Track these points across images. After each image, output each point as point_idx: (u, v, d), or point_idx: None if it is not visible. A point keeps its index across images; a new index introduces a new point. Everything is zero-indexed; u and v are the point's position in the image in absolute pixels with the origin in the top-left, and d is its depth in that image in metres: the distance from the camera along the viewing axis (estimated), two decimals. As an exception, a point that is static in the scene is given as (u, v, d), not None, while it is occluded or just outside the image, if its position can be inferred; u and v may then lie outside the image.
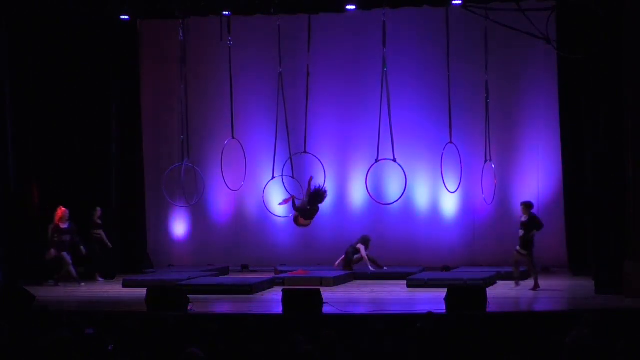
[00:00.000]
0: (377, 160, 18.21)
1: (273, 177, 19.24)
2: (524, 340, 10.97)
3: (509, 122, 20.56)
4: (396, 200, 18.71)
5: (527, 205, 17.43)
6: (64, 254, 18.81)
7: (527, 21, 16.95)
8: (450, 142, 18.41)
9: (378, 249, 19.80)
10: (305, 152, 19.19)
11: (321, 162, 19.35)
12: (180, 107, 19.73)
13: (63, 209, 18.97)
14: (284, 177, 19.42)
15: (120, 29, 20.48)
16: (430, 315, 12.07)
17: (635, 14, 15.64)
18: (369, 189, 18.45)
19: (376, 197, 19.04)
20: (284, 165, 19.22)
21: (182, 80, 19.37)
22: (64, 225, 18.91)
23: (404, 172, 18.09)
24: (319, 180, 18.89)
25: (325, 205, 19.72)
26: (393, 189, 19.56)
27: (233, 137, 19.30)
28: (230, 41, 19.25)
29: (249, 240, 21.32)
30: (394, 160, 18.12)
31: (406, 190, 18.86)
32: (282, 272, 19.46)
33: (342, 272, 19.37)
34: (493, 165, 18.97)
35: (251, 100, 21.40)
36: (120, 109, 21.18)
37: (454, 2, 17.98)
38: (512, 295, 16.72)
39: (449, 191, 18.61)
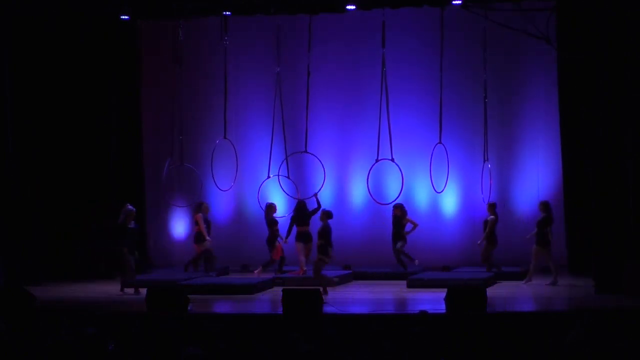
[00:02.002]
0: (377, 160, 18.27)
1: (268, 177, 19.30)
2: (524, 340, 10.97)
3: (509, 122, 20.55)
4: (394, 200, 18.73)
5: (326, 214, 17.77)
6: (131, 257, 17.87)
7: (527, 21, 16.96)
8: (440, 143, 18.47)
9: (378, 248, 19.80)
10: (305, 151, 19.21)
11: (321, 162, 19.37)
12: (179, 106, 19.74)
13: (130, 207, 18.17)
14: (278, 177, 19.49)
15: (120, 29, 20.47)
16: (424, 314, 12.04)
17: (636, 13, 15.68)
18: (369, 187, 18.51)
19: (376, 197, 19.05)
20: (281, 165, 19.26)
21: (178, 81, 19.37)
22: (130, 225, 18.05)
23: (401, 172, 18.16)
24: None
25: (325, 205, 19.71)
26: (392, 188, 19.55)
27: (225, 137, 19.29)
28: (226, 41, 19.26)
29: (249, 240, 21.30)
30: (392, 160, 18.19)
31: (405, 190, 19.00)
32: (282, 272, 19.45)
33: (342, 272, 19.39)
34: (489, 165, 18.99)
35: (251, 100, 21.40)
36: (120, 108, 21.18)
37: (453, 2, 17.99)
38: (512, 295, 16.73)
39: (436, 191, 18.70)
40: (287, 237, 19.12)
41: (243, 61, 20.95)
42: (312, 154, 19.36)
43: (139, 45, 21.69)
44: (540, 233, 17.89)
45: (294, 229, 18.95)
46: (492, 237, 18.94)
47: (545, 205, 18.11)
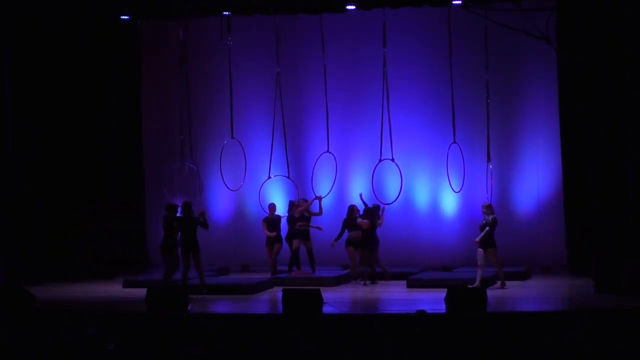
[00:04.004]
0: (380, 160, 18.31)
1: (269, 177, 19.35)
2: (524, 340, 10.97)
3: (509, 123, 20.54)
4: (394, 200, 18.72)
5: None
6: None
7: (527, 21, 16.96)
8: (454, 143, 18.50)
9: (379, 248, 19.76)
10: (327, 151, 19.31)
11: (336, 162, 19.47)
12: (180, 106, 19.76)
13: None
14: (279, 177, 19.56)
15: (120, 29, 20.48)
16: (422, 314, 12.03)
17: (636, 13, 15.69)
18: (373, 188, 18.55)
19: (377, 197, 19.07)
20: (287, 165, 19.38)
21: (182, 81, 19.41)
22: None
23: (400, 172, 18.19)
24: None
25: (326, 205, 19.76)
26: (393, 188, 19.56)
27: (232, 137, 19.34)
28: (230, 41, 19.27)
29: (249, 240, 21.29)
30: (392, 160, 18.21)
31: (406, 190, 19.03)
32: (282, 272, 19.45)
33: (342, 272, 19.38)
34: (490, 166, 18.99)
35: (252, 100, 21.40)
36: (120, 108, 21.21)
37: (454, 2, 17.99)
38: (512, 295, 16.72)
39: (454, 191, 18.69)
40: (336, 240, 19.05)
41: (243, 61, 20.93)
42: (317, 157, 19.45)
43: (139, 45, 21.70)
44: (489, 235, 17.31)
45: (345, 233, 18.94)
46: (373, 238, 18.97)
47: (490, 208, 17.62)
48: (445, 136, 19.02)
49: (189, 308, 14.81)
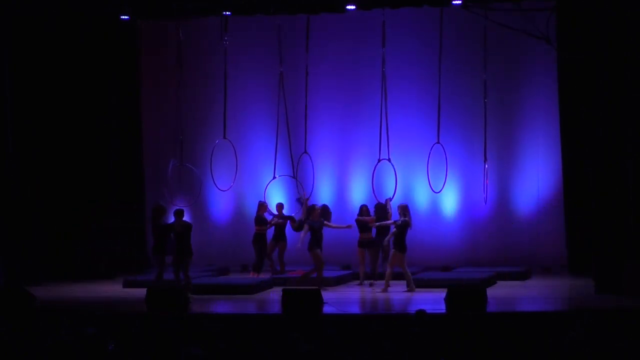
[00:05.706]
0: (379, 160, 18.32)
1: (274, 178, 19.34)
2: (524, 340, 10.97)
3: (509, 122, 20.56)
4: (391, 199, 18.71)
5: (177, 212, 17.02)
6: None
7: (527, 21, 16.96)
8: (437, 143, 18.47)
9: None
10: (305, 152, 19.25)
11: (312, 164, 19.37)
12: (179, 107, 19.76)
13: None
14: (283, 177, 19.54)
15: (120, 29, 20.48)
16: (421, 313, 12.03)
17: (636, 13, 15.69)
18: (373, 188, 18.57)
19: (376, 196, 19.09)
20: (287, 165, 19.35)
21: (179, 81, 19.40)
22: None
23: (395, 172, 18.20)
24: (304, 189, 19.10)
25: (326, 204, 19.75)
26: (391, 188, 19.56)
27: (225, 137, 19.29)
28: (226, 41, 19.26)
29: (249, 240, 21.28)
30: (389, 160, 18.22)
31: (405, 190, 19.06)
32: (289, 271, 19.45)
33: (342, 272, 19.38)
34: (486, 166, 18.97)
35: (252, 100, 21.41)
36: (120, 108, 21.21)
37: (453, 2, 18.00)
38: (512, 295, 16.73)
39: (434, 191, 18.66)
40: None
41: (243, 61, 20.96)
42: (308, 155, 19.44)
43: (139, 45, 21.71)
44: (399, 237, 17.20)
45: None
46: (282, 236, 19.14)
47: (405, 209, 17.41)
48: (446, 136, 19.00)
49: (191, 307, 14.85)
